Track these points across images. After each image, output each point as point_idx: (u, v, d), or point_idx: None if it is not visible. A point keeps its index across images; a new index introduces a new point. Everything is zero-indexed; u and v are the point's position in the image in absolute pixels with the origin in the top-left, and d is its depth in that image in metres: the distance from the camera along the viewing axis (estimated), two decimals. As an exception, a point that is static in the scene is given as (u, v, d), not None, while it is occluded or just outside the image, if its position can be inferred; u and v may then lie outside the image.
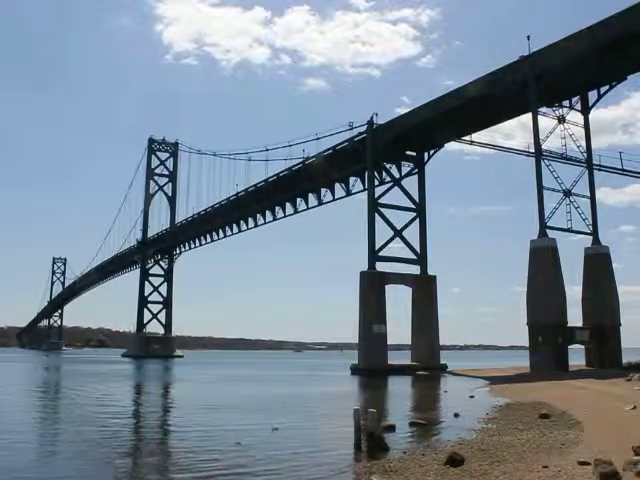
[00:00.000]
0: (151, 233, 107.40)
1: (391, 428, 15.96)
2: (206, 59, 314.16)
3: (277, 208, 73.81)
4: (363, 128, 56.99)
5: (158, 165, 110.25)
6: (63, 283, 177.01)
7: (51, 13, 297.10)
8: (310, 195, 67.06)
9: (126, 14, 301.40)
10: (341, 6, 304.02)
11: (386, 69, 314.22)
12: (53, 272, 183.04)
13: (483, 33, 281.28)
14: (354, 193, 60.89)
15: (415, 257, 58.11)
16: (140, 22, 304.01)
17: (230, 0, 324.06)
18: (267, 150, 71.70)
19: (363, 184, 58.95)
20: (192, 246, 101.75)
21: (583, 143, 50.29)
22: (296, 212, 70.27)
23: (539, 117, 46.59)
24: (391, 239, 57.22)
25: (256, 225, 79.96)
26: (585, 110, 50.80)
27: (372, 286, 53.37)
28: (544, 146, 46.74)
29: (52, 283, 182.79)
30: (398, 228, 57.66)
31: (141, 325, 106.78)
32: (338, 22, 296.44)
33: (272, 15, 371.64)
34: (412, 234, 58.52)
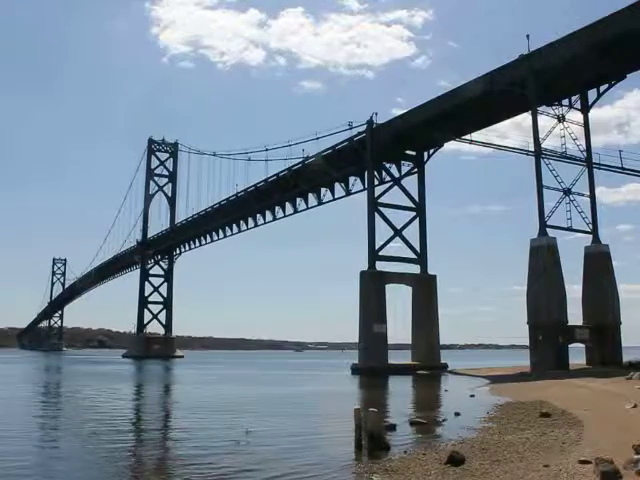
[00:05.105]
0: (151, 233, 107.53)
1: (392, 427, 15.99)
2: (202, 62, 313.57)
3: (277, 208, 73.71)
4: (362, 128, 56.95)
5: (158, 165, 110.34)
6: (63, 284, 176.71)
7: (49, 17, 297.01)
8: (310, 195, 66.99)
9: (123, 17, 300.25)
10: (335, 8, 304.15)
11: (380, 70, 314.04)
12: (53, 273, 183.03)
13: (477, 34, 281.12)
14: (354, 193, 60.87)
15: (415, 256, 58.10)
16: (137, 25, 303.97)
17: (225, 3, 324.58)
18: (267, 150, 71.81)
19: (363, 184, 58.90)
20: (192, 246, 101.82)
21: (582, 142, 50.25)
22: (296, 212, 70.20)
23: (537, 116, 46.60)
24: (391, 239, 57.21)
25: (256, 225, 79.98)
26: (585, 109, 50.75)
27: (372, 286, 53.33)
28: (543, 145, 46.73)
29: (52, 284, 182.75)
30: (398, 227, 57.66)
31: (141, 325, 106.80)
32: (332, 24, 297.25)
33: (267, 17, 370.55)
34: (412, 233, 58.57)
